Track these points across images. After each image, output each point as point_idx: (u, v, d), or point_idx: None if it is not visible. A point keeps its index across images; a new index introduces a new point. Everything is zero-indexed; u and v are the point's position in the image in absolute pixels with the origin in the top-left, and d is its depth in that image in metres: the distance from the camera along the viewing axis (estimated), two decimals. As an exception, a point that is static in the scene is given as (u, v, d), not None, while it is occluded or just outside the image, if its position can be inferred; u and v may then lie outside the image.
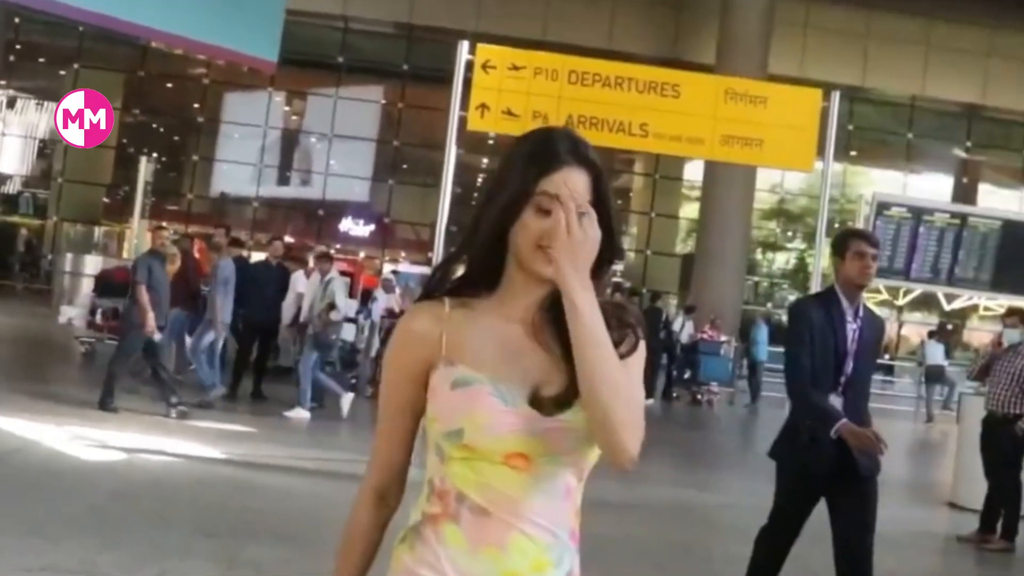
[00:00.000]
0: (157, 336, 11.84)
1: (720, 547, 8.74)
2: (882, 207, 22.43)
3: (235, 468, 9.56)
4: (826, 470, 5.50)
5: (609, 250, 2.12)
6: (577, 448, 2.09)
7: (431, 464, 2.13)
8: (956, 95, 35.25)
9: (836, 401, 5.54)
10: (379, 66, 36.63)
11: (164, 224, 16.80)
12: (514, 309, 2.14)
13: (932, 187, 37.35)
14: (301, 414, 12.74)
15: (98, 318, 17.92)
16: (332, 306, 13.10)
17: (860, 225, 23.98)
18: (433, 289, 2.21)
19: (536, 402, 2.06)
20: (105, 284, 18.42)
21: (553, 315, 2.09)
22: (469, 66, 10.51)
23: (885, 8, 33.44)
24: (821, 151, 11.06)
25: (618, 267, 37.94)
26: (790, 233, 40.36)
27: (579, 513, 2.17)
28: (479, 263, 2.17)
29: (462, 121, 10.50)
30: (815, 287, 11.29)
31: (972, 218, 23.40)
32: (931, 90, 35.10)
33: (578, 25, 33.60)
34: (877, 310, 6.34)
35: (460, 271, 2.23)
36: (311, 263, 15.41)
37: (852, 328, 5.62)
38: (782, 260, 40.96)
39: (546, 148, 2.12)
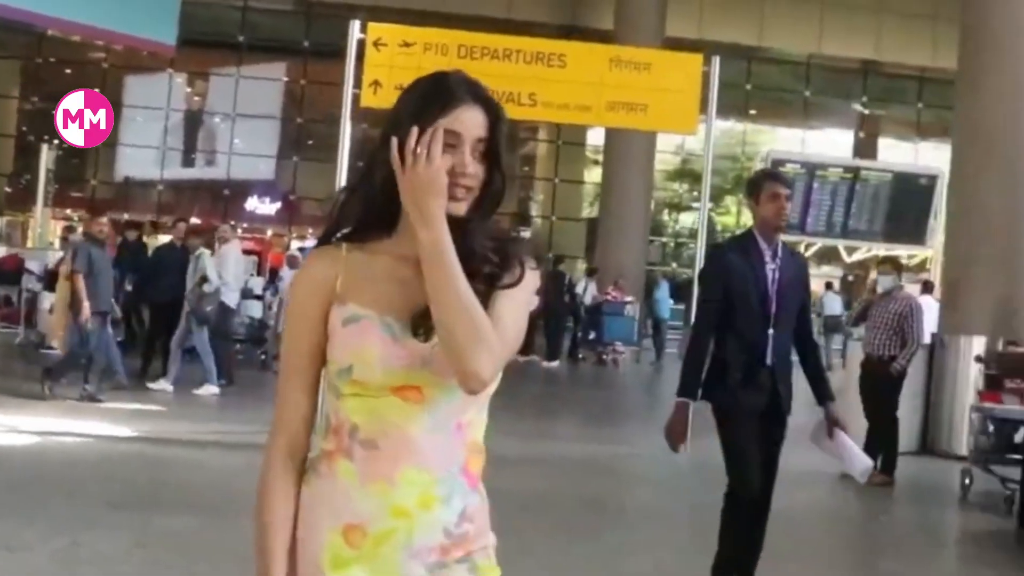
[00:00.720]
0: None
1: (630, 498, 9.18)
2: (776, 163, 23.09)
3: (145, 445, 9.83)
4: (761, 404, 5.63)
5: (499, 190, 2.19)
6: None
7: (328, 402, 2.18)
8: (851, 52, 35.95)
9: (767, 340, 5.63)
10: (279, 44, 36.56)
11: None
12: (410, 247, 2.13)
13: (831, 143, 38.13)
14: (211, 390, 12.97)
15: None
16: (204, 279, 13.31)
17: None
18: (330, 234, 2.25)
19: (414, 327, 2.11)
20: None
21: None
22: (361, 44, 10.78)
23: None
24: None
25: (525, 232, 38.61)
26: (696, 193, 40.98)
27: (479, 452, 2.20)
28: (376, 205, 2.19)
29: (356, 98, 10.77)
30: (700, 243, 11.81)
31: (863, 171, 24.20)
32: (827, 48, 35.81)
33: (475, -3, 34.01)
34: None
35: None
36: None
37: (771, 268, 5.67)
38: (687, 220, 41.63)
39: (442, 87, 2.16)
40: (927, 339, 13.62)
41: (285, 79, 37.50)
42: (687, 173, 39.89)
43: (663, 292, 24.56)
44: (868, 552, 8.33)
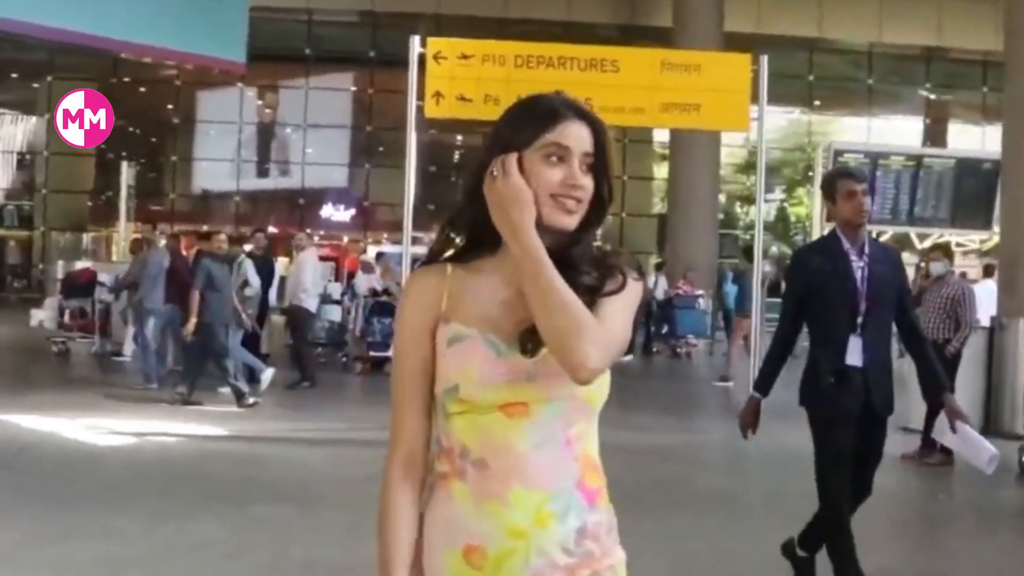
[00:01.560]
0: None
1: (697, 482, 9.58)
2: (838, 154, 23.29)
3: (237, 443, 10.45)
4: (856, 408, 5.49)
5: (604, 204, 2.23)
6: (575, 390, 2.11)
7: (439, 424, 2.21)
8: (913, 39, 35.88)
9: (855, 342, 5.50)
10: (346, 55, 37.28)
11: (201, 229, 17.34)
12: (513, 268, 2.14)
13: (897, 131, 38.08)
14: (262, 382, 13.58)
15: (66, 318, 18.75)
16: (245, 283, 13.92)
17: (818, 174, 24.88)
18: (437, 255, 2.28)
19: (522, 343, 2.11)
20: (70, 286, 19.15)
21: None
22: (422, 58, 11.32)
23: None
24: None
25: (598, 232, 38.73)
26: (775, 185, 41.02)
27: (594, 468, 2.21)
28: (480, 226, 2.19)
29: (419, 110, 11.31)
30: (758, 236, 12.20)
31: (926, 159, 24.29)
32: (888, 36, 35.80)
33: (538, 0, 34.38)
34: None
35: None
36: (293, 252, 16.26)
37: (859, 267, 5.56)
38: (764, 212, 41.65)
39: (544, 105, 2.20)
40: (987, 322, 13.92)
41: (353, 88, 38.29)
42: (756, 166, 40.07)
43: (731, 285, 24.82)
44: (926, 530, 8.66)
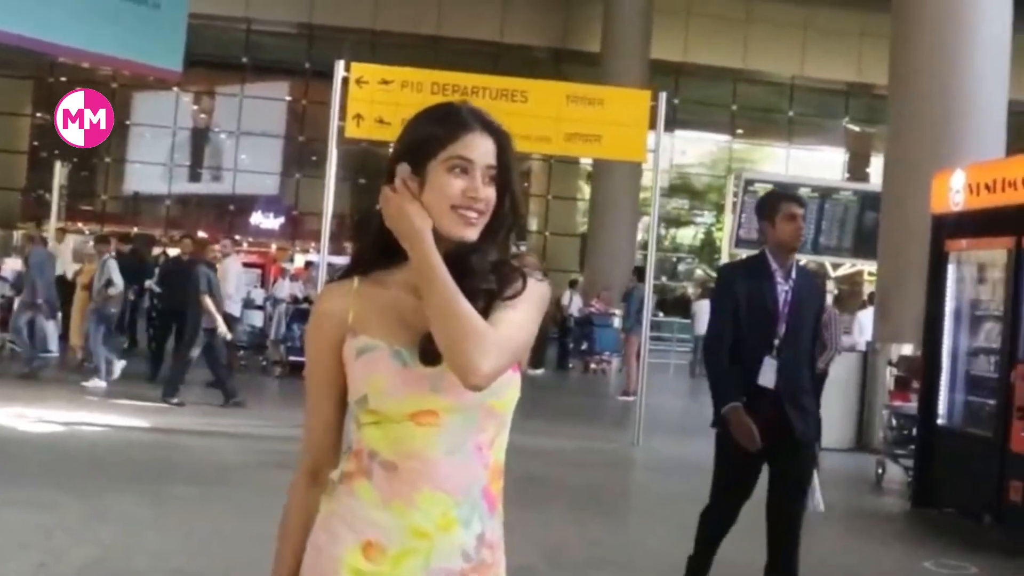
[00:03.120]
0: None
1: (580, 479, 10.43)
2: (748, 183, 24.38)
3: (157, 434, 11.20)
4: (767, 436, 5.37)
5: (510, 214, 2.24)
6: (483, 398, 2.13)
7: (351, 432, 2.23)
8: (834, 74, 37.10)
9: (770, 364, 5.46)
10: (282, 65, 37.83)
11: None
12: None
13: (818, 160, 39.42)
14: (99, 385, 14.12)
15: None
16: (109, 283, 14.69)
17: (728, 200, 26.01)
18: (352, 270, 2.29)
19: (422, 352, 2.13)
20: None
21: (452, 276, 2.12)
22: (345, 81, 12.14)
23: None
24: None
25: (523, 246, 39.64)
26: (693, 208, 42.14)
27: (500, 474, 2.24)
28: (384, 236, 2.20)
29: (340, 130, 12.13)
30: (650, 258, 13.14)
31: (833, 192, 25.50)
32: (809, 70, 37.08)
33: (471, 20, 35.23)
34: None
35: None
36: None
37: (783, 289, 5.56)
38: (684, 235, 42.80)
39: (452, 115, 2.21)
40: (862, 346, 15.02)
41: (287, 99, 38.85)
42: (683, 188, 41.22)
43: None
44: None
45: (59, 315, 15.86)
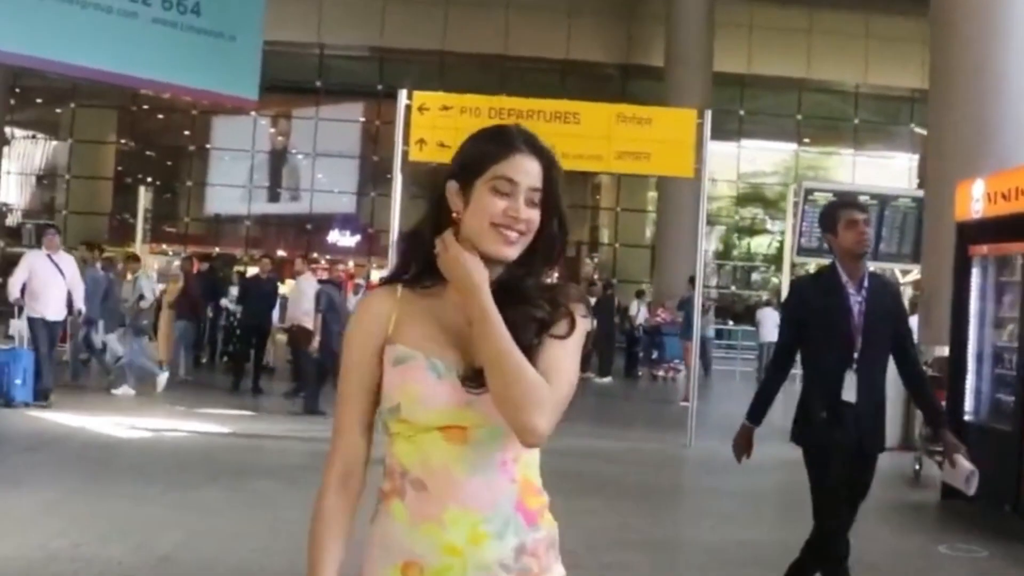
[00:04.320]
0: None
1: (629, 476, 11.14)
2: (808, 192, 24.83)
3: (236, 438, 12.14)
4: (848, 443, 5.41)
5: (554, 238, 2.27)
6: None
7: (385, 443, 2.26)
8: (899, 80, 37.28)
9: (850, 378, 5.40)
10: (355, 87, 38.92)
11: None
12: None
13: (885, 167, 39.68)
14: (128, 392, 14.99)
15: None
16: (141, 297, 15.64)
17: (788, 212, 26.46)
18: (395, 277, 2.33)
19: (467, 376, 2.16)
20: None
21: (498, 299, 2.16)
22: (408, 109, 12.97)
23: (827, 5, 35.69)
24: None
25: (595, 258, 40.54)
26: (767, 218, 42.49)
27: (533, 490, 2.26)
28: (431, 249, 2.23)
29: (405, 154, 12.96)
30: (699, 267, 13.80)
31: (892, 199, 25.86)
32: (873, 78, 37.37)
33: (538, 39, 36.02)
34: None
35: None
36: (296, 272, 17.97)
37: (856, 301, 5.45)
38: (761, 243, 43.16)
39: (500, 137, 2.25)
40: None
41: (361, 119, 39.91)
42: (753, 198, 41.68)
43: (709, 314, 26.40)
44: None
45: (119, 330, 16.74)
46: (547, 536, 2.26)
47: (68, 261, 14.15)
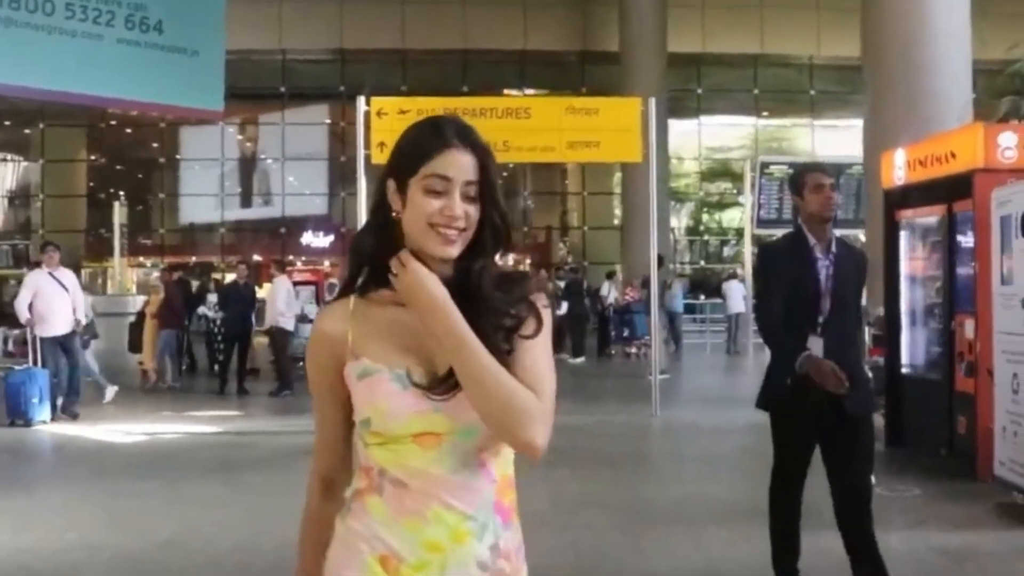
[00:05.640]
0: None
1: (589, 445, 11.88)
2: (764, 166, 25.56)
3: (226, 436, 12.88)
4: (818, 413, 5.41)
5: (498, 228, 2.22)
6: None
7: (358, 448, 2.24)
8: (850, 51, 37.94)
9: (816, 342, 5.40)
10: (319, 90, 39.47)
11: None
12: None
13: (843, 135, 40.46)
14: (110, 393, 15.75)
15: (10, 346, 20.93)
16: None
17: (746, 186, 27.22)
18: (348, 289, 2.28)
19: (431, 385, 2.14)
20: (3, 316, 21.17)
21: (458, 304, 2.13)
22: (367, 114, 13.65)
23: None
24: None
25: (566, 243, 41.23)
26: (734, 192, 43.24)
27: (510, 486, 2.26)
28: (379, 251, 2.21)
29: (367, 158, 13.64)
30: (652, 243, 14.53)
31: (846, 168, 26.59)
32: (825, 49, 38.09)
33: (495, 31, 36.69)
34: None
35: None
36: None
37: (823, 265, 5.50)
38: (727, 218, 43.83)
39: (432, 132, 2.18)
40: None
41: (327, 121, 40.55)
42: (720, 173, 42.41)
43: (677, 289, 27.14)
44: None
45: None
46: (516, 537, 2.27)
47: (69, 276, 14.50)
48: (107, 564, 7.09)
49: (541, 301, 2.24)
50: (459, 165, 2.15)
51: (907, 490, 9.14)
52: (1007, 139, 9.35)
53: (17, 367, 14.24)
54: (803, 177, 5.67)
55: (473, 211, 2.17)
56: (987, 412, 8.96)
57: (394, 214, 2.19)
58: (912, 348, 11.12)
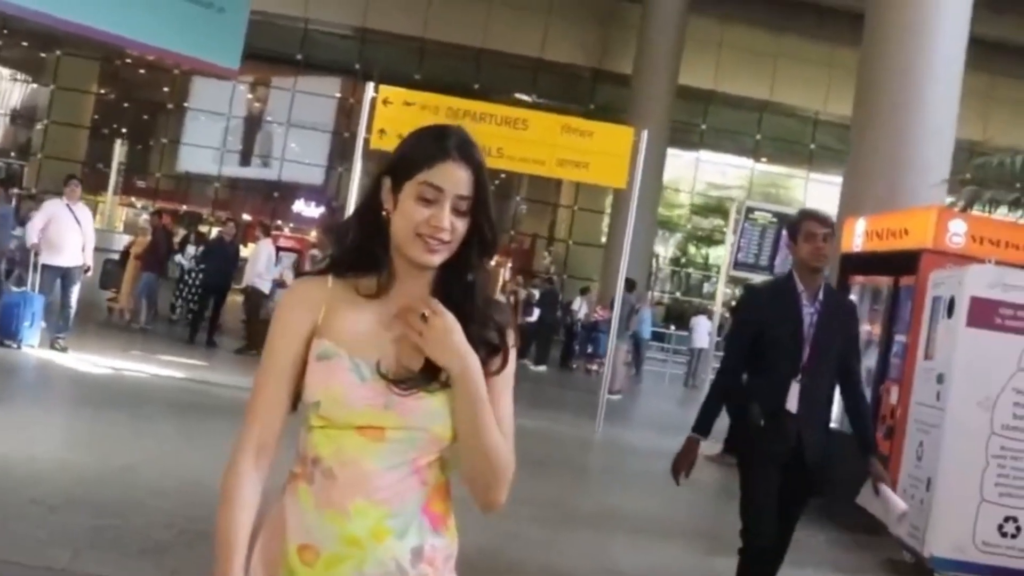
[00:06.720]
0: None
1: (532, 453, 12.53)
2: (749, 211, 26.14)
3: (189, 383, 13.51)
4: (784, 453, 5.43)
5: (487, 243, 2.24)
6: (429, 424, 2.17)
7: (301, 430, 2.23)
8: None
9: (794, 388, 5.39)
10: (335, 64, 40.16)
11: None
12: (393, 291, 2.22)
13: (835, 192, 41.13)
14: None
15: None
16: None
17: (730, 228, 27.82)
18: (326, 268, 2.28)
19: (399, 379, 2.15)
20: None
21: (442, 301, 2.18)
22: (373, 101, 14.25)
23: (794, 31, 37.11)
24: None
25: (550, 253, 41.70)
26: (719, 230, 43.88)
27: (443, 495, 2.26)
28: (364, 243, 2.23)
29: (366, 142, 14.24)
30: (620, 280, 15.17)
31: (831, 220, 27.14)
32: (832, 107, 38.80)
33: (515, 36, 37.33)
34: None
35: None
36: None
37: (808, 312, 5.46)
38: (710, 254, 44.50)
39: (435, 142, 2.20)
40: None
41: (337, 95, 41.04)
42: (710, 209, 43.07)
43: (646, 315, 27.74)
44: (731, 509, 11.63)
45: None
46: (447, 545, 2.25)
47: (85, 212, 14.58)
48: (69, 479, 7.68)
49: (511, 339, 2.28)
50: (454, 179, 2.17)
51: (812, 535, 9.77)
52: (957, 226, 10.03)
53: (15, 288, 14.50)
54: (800, 223, 5.59)
55: (461, 225, 2.18)
56: (899, 474, 9.58)
57: (384, 212, 2.22)
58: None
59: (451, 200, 2.16)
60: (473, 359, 2.15)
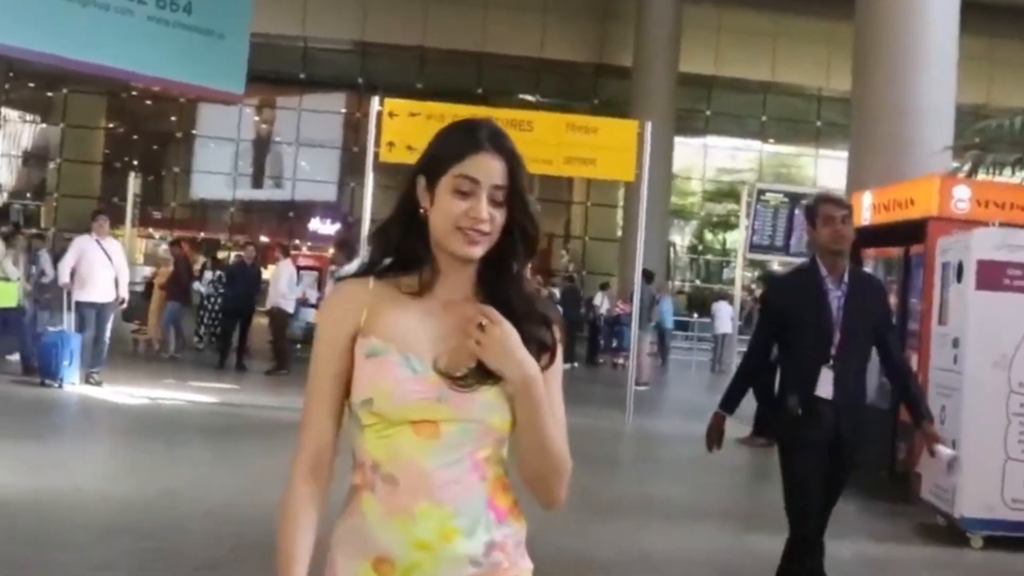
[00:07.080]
0: None
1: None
2: (760, 193, 26.21)
3: (223, 406, 13.78)
4: (824, 439, 5.42)
5: (528, 235, 2.24)
6: (484, 415, 2.15)
7: (353, 435, 2.22)
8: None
9: (826, 374, 5.38)
10: (337, 79, 40.26)
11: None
12: (436, 287, 2.22)
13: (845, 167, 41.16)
14: None
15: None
16: (43, 273, 16.33)
17: (742, 209, 27.90)
18: (364, 270, 2.30)
19: (464, 377, 2.14)
20: None
21: (479, 299, 2.21)
22: (379, 115, 14.45)
23: (791, 10, 37.14)
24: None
25: (568, 251, 41.80)
26: (733, 215, 43.93)
27: (505, 487, 2.23)
28: (403, 242, 2.24)
29: (376, 155, 14.44)
30: (637, 265, 15.33)
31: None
32: (835, 83, 38.79)
33: (513, 37, 37.43)
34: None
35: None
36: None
37: (835, 296, 5.45)
38: (725, 239, 44.59)
39: (465, 134, 2.20)
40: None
41: (343, 111, 41.21)
42: (722, 194, 43.15)
43: (667, 305, 27.85)
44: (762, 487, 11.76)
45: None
46: (516, 532, 2.24)
47: (116, 247, 14.74)
48: (107, 506, 7.91)
49: (558, 334, 2.28)
50: (488, 169, 2.16)
51: (841, 506, 9.87)
52: (961, 192, 10.19)
53: (52, 328, 14.64)
54: (817, 207, 5.59)
55: (499, 215, 2.18)
56: (923, 441, 9.71)
57: (421, 210, 2.21)
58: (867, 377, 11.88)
59: (487, 191, 2.16)
60: (532, 366, 2.14)
